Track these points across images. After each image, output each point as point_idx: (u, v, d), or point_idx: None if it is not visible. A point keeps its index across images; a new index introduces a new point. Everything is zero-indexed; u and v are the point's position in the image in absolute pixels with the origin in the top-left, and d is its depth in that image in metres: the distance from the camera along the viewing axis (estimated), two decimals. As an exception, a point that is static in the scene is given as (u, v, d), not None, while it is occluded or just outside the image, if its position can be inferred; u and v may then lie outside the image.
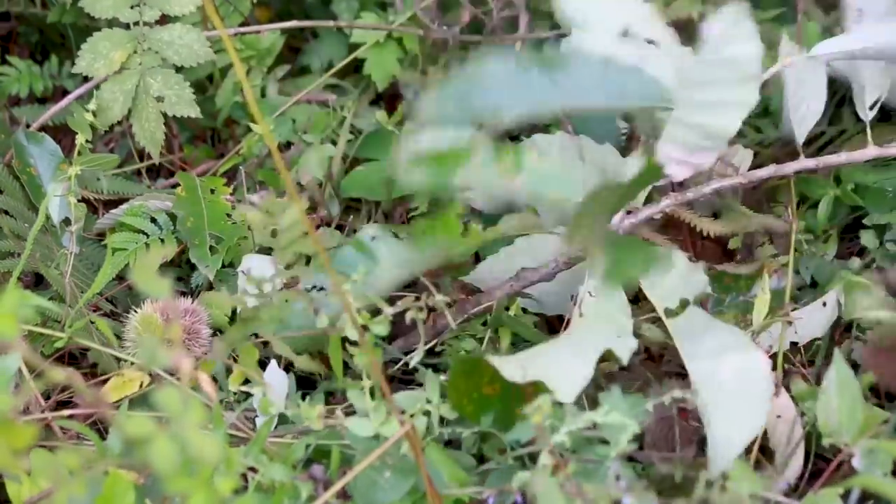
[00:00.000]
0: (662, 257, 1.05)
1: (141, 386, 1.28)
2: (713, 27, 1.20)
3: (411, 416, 1.12)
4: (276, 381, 1.26)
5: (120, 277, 1.47)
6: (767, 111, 1.65)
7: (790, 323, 1.34)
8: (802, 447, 1.21)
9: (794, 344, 1.37)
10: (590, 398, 1.23)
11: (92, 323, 1.35)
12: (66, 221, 1.47)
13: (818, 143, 1.65)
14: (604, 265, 1.05)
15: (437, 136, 1.31)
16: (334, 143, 1.67)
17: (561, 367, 1.10)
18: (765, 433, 1.23)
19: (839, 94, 1.69)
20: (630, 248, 1.11)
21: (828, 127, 1.67)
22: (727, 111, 1.27)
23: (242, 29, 1.68)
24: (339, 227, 1.61)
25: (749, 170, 1.41)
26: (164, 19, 1.57)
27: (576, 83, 1.31)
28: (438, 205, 1.57)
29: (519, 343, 1.37)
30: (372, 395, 1.12)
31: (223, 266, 1.44)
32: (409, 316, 1.20)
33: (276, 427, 1.18)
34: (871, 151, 1.37)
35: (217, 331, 1.39)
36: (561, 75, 1.31)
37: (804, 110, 1.44)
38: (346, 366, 1.30)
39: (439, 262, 1.36)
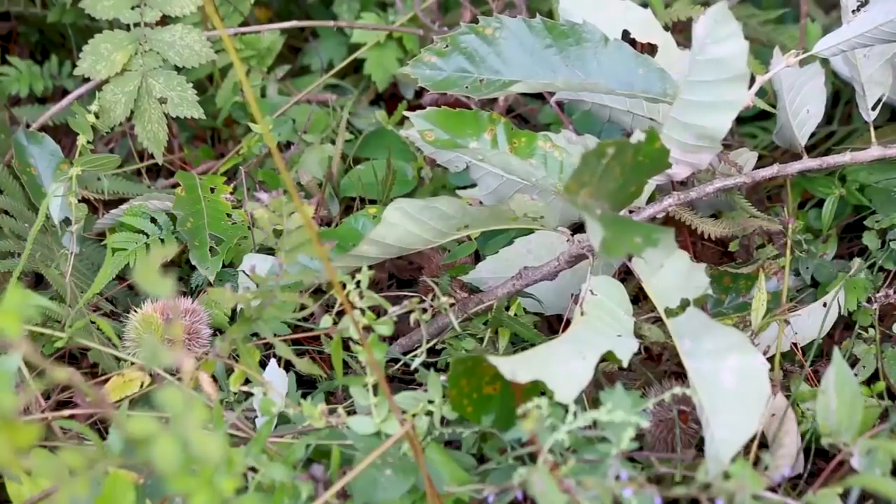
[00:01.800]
0: (664, 237, 1.05)
1: (141, 386, 1.28)
2: (699, 29, 1.20)
3: (413, 415, 1.12)
4: (275, 380, 1.26)
5: (120, 277, 1.48)
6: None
7: (788, 323, 1.34)
8: (798, 441, 1.21)
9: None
10: (590, 398, 1.23)
11: (92, 323, 1.35)
12: (66, 221, 1.47)
13: (827, 143, 1.65)
14: (601, 234, 1.05)
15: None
16: (334, 142, 1.67)
17: (561, 367, 1.10)
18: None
19: (847, 94, 1.70)
20: (631, 225, 1.11)
21: (838, 127, 1.67)
22: (718, 111, 1.27)
23: (242, 29, 1.68)
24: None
25: (753, 170, 1.41)
26: (164, 20, 1.57)
27: (586, 62, 1.31)
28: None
29: (519, 343, 1.37)
30: (373, 392, 1.12)
31: (223, 266, 1.44)
32: (412, 317, 1.20)
33: (276, 427, 1.18)
34: (875, 152, 1.37)
35: (217, 331, 1.39)
36: (574, 50, 1.31)
37: (804, 115, 1.44)
38: (345, 366, 1.30)
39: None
